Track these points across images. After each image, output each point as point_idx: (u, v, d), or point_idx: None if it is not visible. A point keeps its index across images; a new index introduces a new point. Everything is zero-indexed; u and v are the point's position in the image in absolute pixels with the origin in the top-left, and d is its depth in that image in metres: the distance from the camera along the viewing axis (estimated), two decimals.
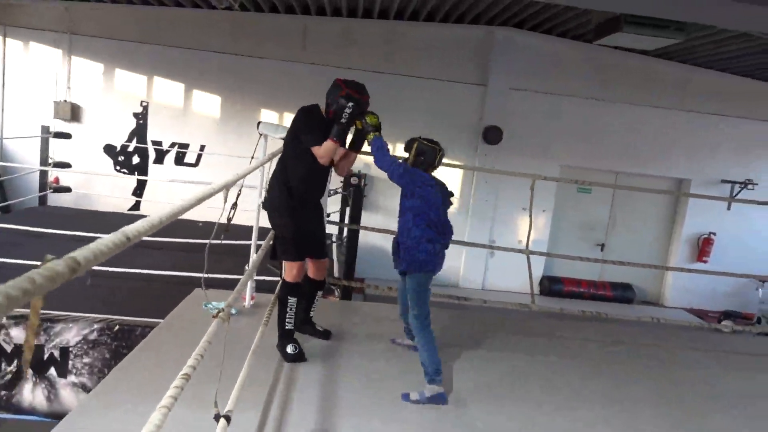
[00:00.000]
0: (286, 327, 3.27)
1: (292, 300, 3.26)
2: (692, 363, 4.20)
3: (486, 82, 8.77)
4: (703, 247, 9.32)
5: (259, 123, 3.74)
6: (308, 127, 3.17)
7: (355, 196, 4.33)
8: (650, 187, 8.95)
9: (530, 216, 4.43)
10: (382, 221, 8.57)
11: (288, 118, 8.77)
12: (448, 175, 9.36)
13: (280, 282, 3.39)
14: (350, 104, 3.06)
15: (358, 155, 3.41)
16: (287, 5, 8.04)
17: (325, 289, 3.68)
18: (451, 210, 3.33)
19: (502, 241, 8.90)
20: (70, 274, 0.91)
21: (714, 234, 9.33)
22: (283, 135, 3.41)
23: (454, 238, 3.31)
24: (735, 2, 3.64)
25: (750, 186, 9.14)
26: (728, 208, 9.20)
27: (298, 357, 3.22)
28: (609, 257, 9.25)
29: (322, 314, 3.71)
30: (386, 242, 8.63)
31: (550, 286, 9.09)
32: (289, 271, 3.28)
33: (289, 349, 3.22)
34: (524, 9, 7.60)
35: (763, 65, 8.09)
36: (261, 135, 3.63)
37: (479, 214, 8.95)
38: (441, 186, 3.24)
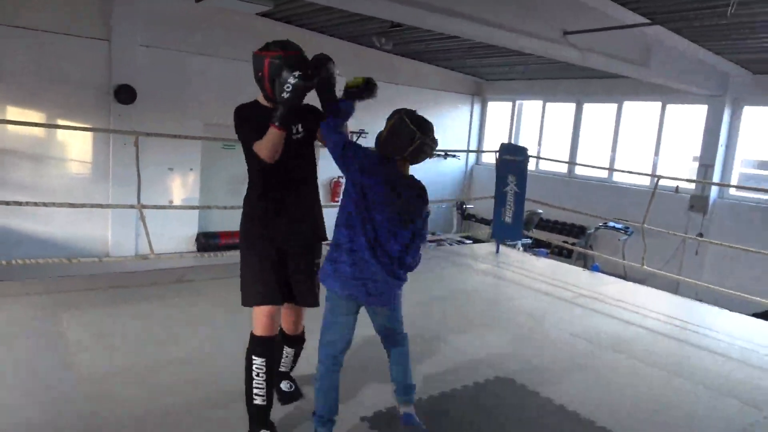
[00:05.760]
0: (254, 402, 2.37)
1: (258, 360, 2.37)
2: None
3: (109, 37, 8.20)
4: (334, 188, 10.91)
5: None
6: (239, 122, 2.47)
7: None
8: None
9: (138, 173, 4.76)
10: None
11: None
12: (79, 139, 8.56)
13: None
14: (286, 75, 2.25)
15: None
16: None
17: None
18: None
19: (152, 203, 8.65)
20: None
21: (342, 178, 10.94)
22: None
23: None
24: None
25: (364, 135, 10.96)
26: None
27: None
28: None
29: None
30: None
31: (207, 241, 9.34)
32: (256, 318, 2.42)
33: None
34: None
35: (354, 34, 9.65)
36: None
37: (122, 179, 8.44)
38: (399, 185, 2.38)
